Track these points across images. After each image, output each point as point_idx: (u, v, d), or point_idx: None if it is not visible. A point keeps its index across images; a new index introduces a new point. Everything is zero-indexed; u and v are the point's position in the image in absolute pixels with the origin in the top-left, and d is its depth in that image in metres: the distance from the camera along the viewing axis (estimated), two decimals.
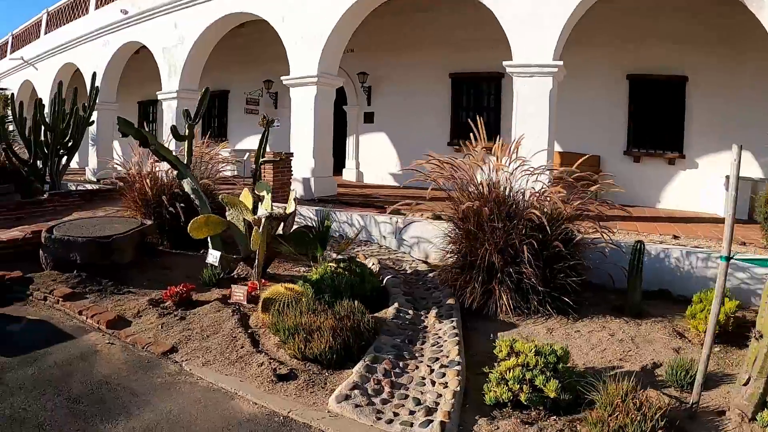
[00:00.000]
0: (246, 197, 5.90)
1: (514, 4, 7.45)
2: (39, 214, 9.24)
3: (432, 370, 3.75)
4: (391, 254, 6.91)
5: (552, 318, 4.81)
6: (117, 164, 8.00)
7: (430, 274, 6.07)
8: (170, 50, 11.32)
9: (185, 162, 6.24)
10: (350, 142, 12.37)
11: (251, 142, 13.45)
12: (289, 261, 6.32)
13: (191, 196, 6.04)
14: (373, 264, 6.11)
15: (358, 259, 5.82)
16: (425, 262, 6.63)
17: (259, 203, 5.96)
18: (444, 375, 3.65)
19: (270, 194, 5.91)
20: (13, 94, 10.44)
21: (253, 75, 13.40)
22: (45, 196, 9.55)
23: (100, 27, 12.77)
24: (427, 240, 6.90)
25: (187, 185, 6.05)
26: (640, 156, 10.04)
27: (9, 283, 5.46)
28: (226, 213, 5.90)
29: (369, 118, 12.10)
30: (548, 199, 5.42)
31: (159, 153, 5.86)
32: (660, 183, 9.77)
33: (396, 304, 4.92)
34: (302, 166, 9.29)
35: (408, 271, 6.28)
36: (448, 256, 5.75)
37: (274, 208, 5.90)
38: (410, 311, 4.88)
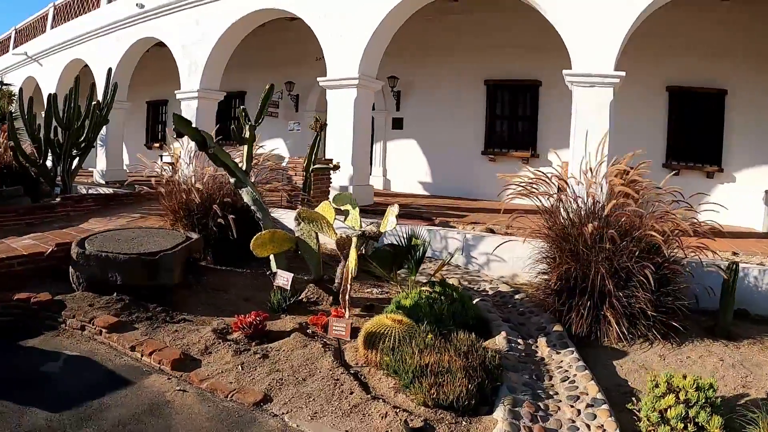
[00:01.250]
0: (326, 211, 4.94)
1: (575, 13, 6.74)
2: (51, 220, 8.11)
3: (578, 411, 3.22)
4: (463, 273, 6.02)
5: (656, 343, 4.23)
6: (155, 168, 6.90)
7: (517, 296, 5.32)
8: (190, 47, 10.27)
9: (244, 168, 5.28)
10: (377, 148, 11.45)
11: (270, 146, 12.44)
12: (355, 281, 5.38)
13: (252, 207, 5.09)
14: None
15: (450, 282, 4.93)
16: (505, 283, 5.76)
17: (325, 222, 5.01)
18: (594, 417, 3.15)
19: (357, 208, 4.97)
20: (21, 89, 9.27)
21: (273, 76, 12.35)
22: (57, 199, 8.40)
23: (112, 21, 11.63)
24: (500, 258, 6.04)
25: (247, 195, 5.09)
26: (678, 169, 9.37)
27: (36, 308, 4.42)
28: (296, 228, 4.95)
29: (398, 124, 11.21)
30: (663, 218, 4.62)
31: (218, 157, 4.89)
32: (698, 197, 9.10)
33: (503, 333, 4.17)
34: (340, 173, 8.34)
35: (489, 292, 5.44)
36: (541, 276, 4.95)
37: (362, 224, 4.96)
38: (519, 340, 4.17)
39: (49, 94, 8.40)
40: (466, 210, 8.81)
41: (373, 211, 8.28)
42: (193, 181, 5.90)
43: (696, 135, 9.28)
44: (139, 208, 8.77)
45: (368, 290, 5.27)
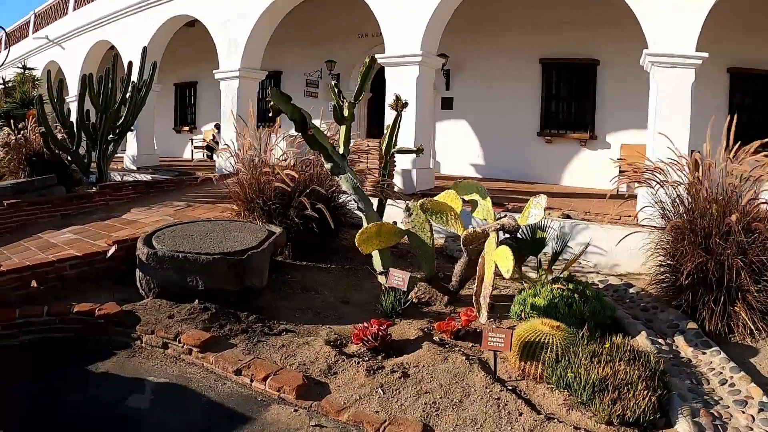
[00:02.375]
0: (453, 200, 3.99)
1: None
2: (88, 211, 7.18)
3: (752, 417, 2.84)
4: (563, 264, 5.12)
5: None
6: (226, 152, 5.91)
7: (631, 290, 4.62)
8: (229, 24, 9.23)
9: (342, 153, 4.34)
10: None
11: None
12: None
13: (353, 197, 4.15)
14: None
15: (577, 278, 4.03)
16: (612, 275, 4.93)
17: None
18: None
19: (488, 198, 4.04)
20: (48, 71, 8.26)
21: (311, 55, 11.33)
22: (94, 188, 7.46)
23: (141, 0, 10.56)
24: (600, 249, 5.17)
25: (346, 183, 4.16)
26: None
27: (103, 322, 3.50)
28: (405, 220, 4.02)
29: (447, 103, 10.19)
30: None
31: (316, 139, 3.95)
32: None
33: (644, 334, 3.59)
34: (402, 156, 7.36)
35: (600, 286, 4.67)
36: (659, 269, 4.26)
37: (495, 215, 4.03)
38: (660, 340, 3.65)
39: (84, 75, 7.41)
40: (529, 194, 7.89)
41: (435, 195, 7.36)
42: (282, 166, 4.90)
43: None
44: (181, 195, 7.83)
45: (471, 287, 4.35)
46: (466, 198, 4.05)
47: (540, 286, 3.77)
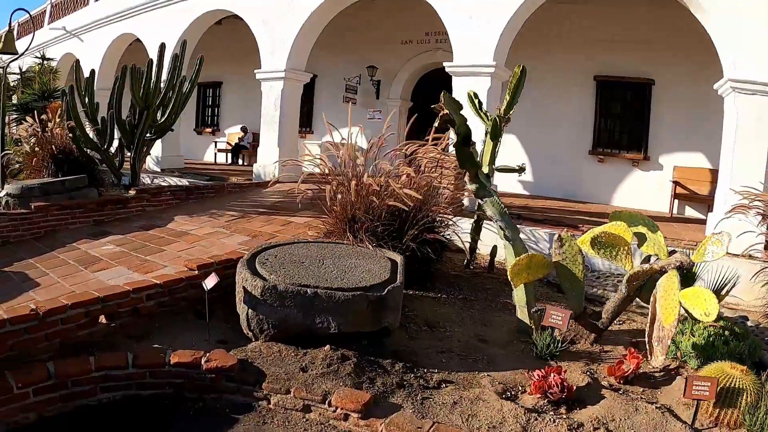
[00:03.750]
0: (623, 232, 3.16)
1: (735, 18, 5.25)
2: (124, 217, 6.18)
3: None
4: None
5: None
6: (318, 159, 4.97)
7: (749, 323, 4.05)
8: (274, 22, 8.33)
9: (486, 173, 3.52)
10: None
11: (335, 136, 10.56)
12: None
13: (498, 223, 3.32)
14: None
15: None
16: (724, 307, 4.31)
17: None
18: None
19: (659, 231, 3.26)
20: (77, 61, 7.23)
21: (349, 59, 10.46)
22: (131, 192, 6.44)
23: None
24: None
25: (492, 207, 3.38)
26: None
27: (212, 377, 2.56)
28: (557, 251, 3.21)
29: None
30: None
31: (471, 158, 3.16)
32: None
33: None
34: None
35: None
36: None
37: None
38: None
39: (124, 66, 6.41)
40: (588, 214, 7.21)
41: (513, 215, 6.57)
42: (399, 183, 4.00)
43: None
44: (225, 203, 6.87)
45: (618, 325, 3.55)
46: (633, 231, 3.26)
47: (691, 324, 3.12)
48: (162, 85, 6.75)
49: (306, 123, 10.91)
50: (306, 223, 5.50)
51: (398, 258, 3.42)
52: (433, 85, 10.54)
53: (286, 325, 2.81)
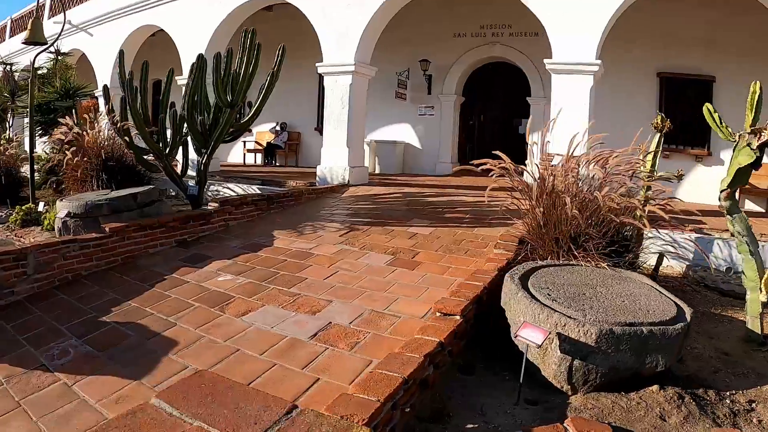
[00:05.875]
0: None
1: None
2: (209, 235, 4.87)
3: None
4: None
5: None
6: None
7: None
8: (337, 11, 7.05)
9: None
10: (534, 139, 8.69)
11: (393, 132, 9.40)
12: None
13: (745, 239, 2.55)
14: None
15: None
16: None
17: None
18: None
19: None
20: (122, 51, 5.73)
21: (395, 52, 9.21)
22: (212, 205, 5.08)
23: None
24: None
25: (740, 224, 3.03)
26: None
27: None
28: None
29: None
30: None
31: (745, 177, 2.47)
32: None
33: None
34: None
35: None
36: None
37: None
38: None
39: (200, 55, 5.00)
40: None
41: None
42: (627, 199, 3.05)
43: None
44: (314, 212, 5.62)
45: None
46: None
47: None
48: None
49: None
50: (431, 234, 4.46)
51: (650, 281, 2.46)
52: (484, 80, 9.56)
53: (615, 372, 2.06)
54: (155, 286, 3.71)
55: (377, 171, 9.02)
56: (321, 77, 9.86)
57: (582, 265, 3.17)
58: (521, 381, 2.12)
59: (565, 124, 5.67)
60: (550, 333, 2.10)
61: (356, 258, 4.10)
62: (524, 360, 2.08)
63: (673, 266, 4.95)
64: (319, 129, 10.40)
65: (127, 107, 5.10)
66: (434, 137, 9.15)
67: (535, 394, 2.19)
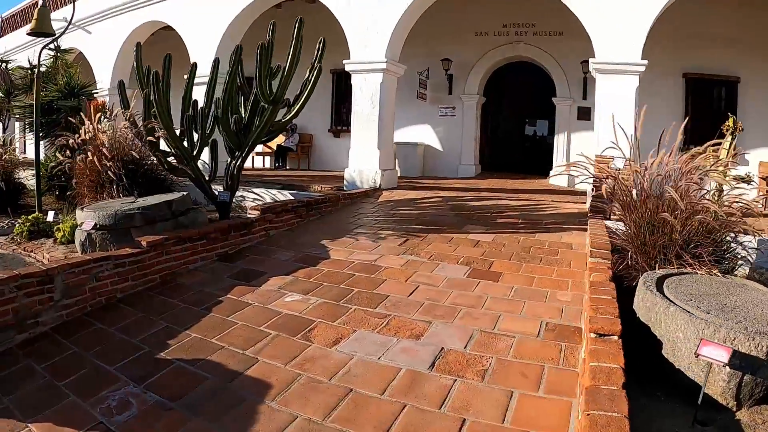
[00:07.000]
0: None
1: None
2: (250, 246, 4.29)
3: None
4: None
5: None
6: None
7: None
8: (365, 5, 6.49)
9: None
10: (560, 140, 8.33)
11: (413, 133, 8.87)
12: None
13: None
14: None
15: None
16: None
17: None
18: None
19: None
20: (139, 44, 5.08)
21: (415, 51, 8.68)
22: (253, 212, 4.47)
23: None
24: None
25: None
26: None
27: None
28: None
29: (584, 114, 8.16)
30: None
31: None
32: None
33: None
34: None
35: None
36: None
37: None
38: None
39: (237, 46, 4.38)
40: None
41: None
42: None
43: None
44: (357, 219, 5.03)
45: None
46: None
47: None
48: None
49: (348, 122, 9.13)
50: (494, 241, 3.98)
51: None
52: (506, 80, 9.13)
53: None
54: (212, 310, 3.09)
55: (398, 174, 8.50)
56: (336, 76, 9.38)
57: (697, 274, 2.92)
58: (699, 402, 1.90)
59: (609, 125, 5.28)
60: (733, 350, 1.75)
61: (430, 270, 3.57)
62: (705, 380, 1.78)
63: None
64: (334, 131, 9.80)
65: (154, 105, 4.44)
66: (455, 139, 8.67)
67: (700, 413, 1.94)
